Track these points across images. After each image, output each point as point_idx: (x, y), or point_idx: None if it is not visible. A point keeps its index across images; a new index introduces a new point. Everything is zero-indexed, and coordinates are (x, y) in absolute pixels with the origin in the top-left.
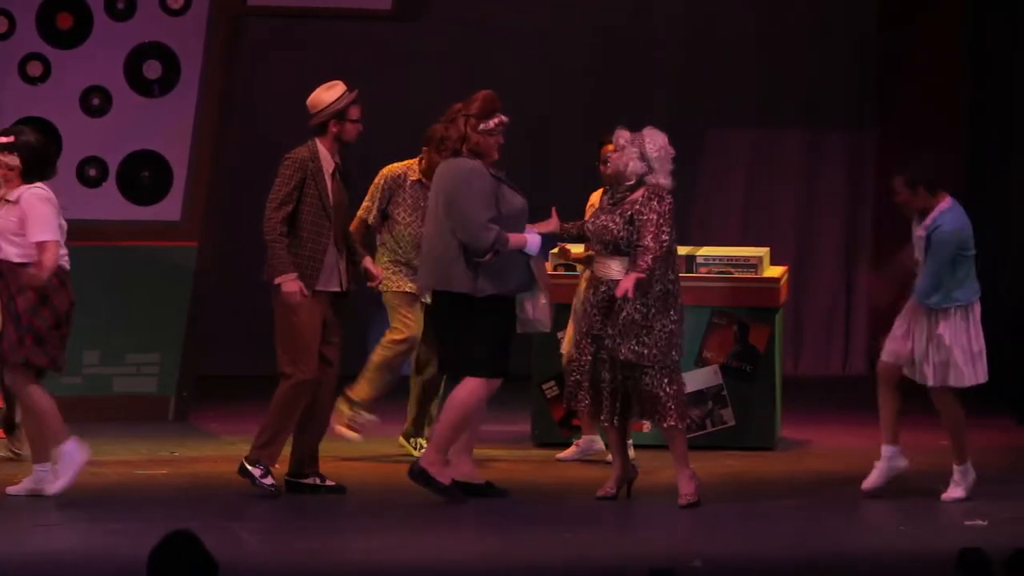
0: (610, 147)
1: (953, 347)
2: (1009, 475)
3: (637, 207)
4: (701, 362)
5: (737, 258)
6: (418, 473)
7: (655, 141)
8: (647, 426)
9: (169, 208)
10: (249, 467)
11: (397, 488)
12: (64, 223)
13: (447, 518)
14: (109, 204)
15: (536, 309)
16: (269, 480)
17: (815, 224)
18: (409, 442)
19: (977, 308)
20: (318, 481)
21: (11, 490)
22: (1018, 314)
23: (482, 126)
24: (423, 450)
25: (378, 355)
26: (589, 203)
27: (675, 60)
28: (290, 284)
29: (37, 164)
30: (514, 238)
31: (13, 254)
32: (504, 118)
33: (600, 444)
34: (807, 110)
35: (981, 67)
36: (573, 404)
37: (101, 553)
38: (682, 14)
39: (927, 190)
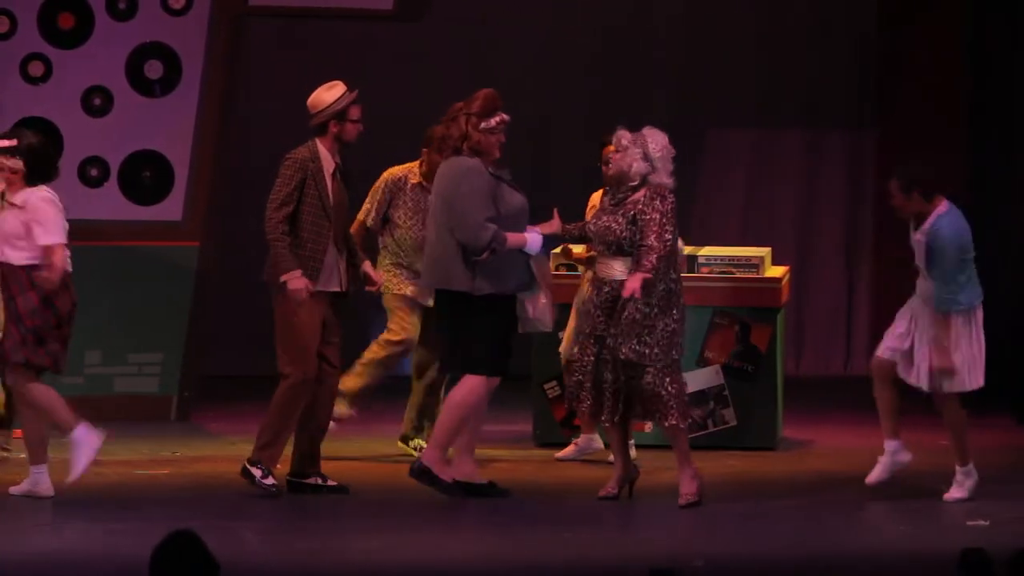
0: (610, 148)
1: (953, 352)
2: (1010, 475)
3: (640, 207)
4: (703, 362)
5: (739, 258)
6: (419, 471)
7: (657, 141)
8: (649, 426)
9: (170, 208)
10: (250, 468)
11: (397, 488)
12: (66, 224)
13: (448, 518)
14: (110, 204)
15: (536, 309)
16: (270, 480)
17: (816, 224)
18: (408, 444)
19: (979, 313)
20: (320, 481)
21: (13, 490)
22: (1018, 314)
23: (483, 124)
24: (423, 449)
25: (372, 352)
26: (590, 204)
27: (675, 60)
28: (296, 281)
29: (40, 167)
30: (513, 237)
31: (16, 258)
32: (505, 116)
33: (599, 443)
34: (807, 110)
35: (981, 67)
36: (575, 405)
37: (102, 553)
38: (682, 14)
39: (922, 194)
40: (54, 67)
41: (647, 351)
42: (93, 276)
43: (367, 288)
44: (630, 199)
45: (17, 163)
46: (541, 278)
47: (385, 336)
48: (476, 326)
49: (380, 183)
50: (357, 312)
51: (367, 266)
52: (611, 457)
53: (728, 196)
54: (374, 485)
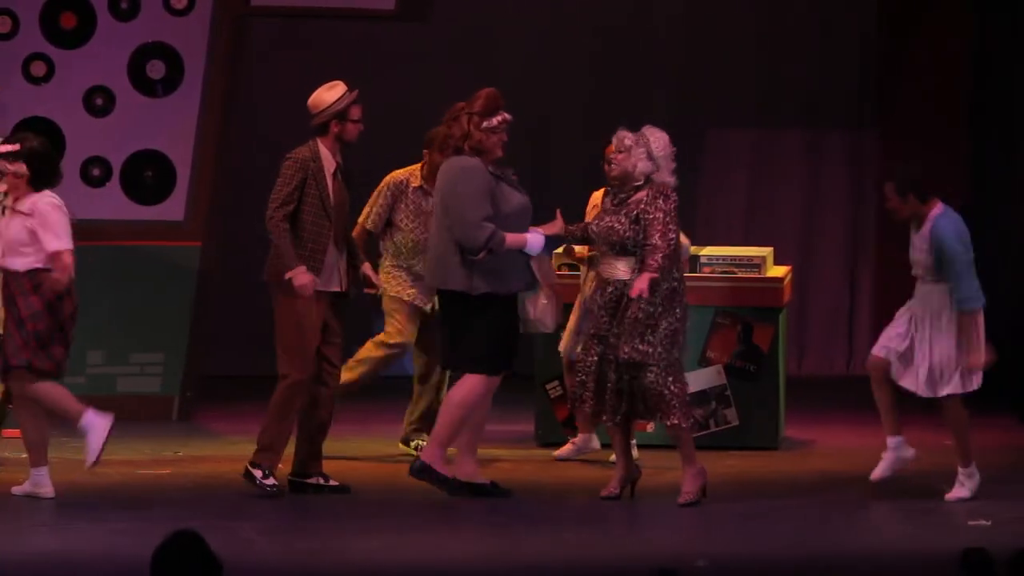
0: (611, 148)
1: (948, 352)
2: (1011, 475)
3: (643, 206)
4: (705, 362)
5: (740, 258)
6: (419, 469)
7: (659, 139)
8: (651, 426)
9: (172, 208)
10: (251, 470)
11: (398, 488)
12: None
13: (448, 518)
14: (112, 204)
15: (537, 309)
16: (270, 480)
17: (817, 224)
18: (409, 445)
19: (980, 316)
20: (322, 481)
21: (15, 490)
22: (1018, 314)
23: (485, 124)
24: (422, 447)
25: (365, 350)
26: (591, 203)
27: (675, 60)
28: (301, 277)
29: (44, 170)
30: (512, 238)
31: (20, 264)
32: (507, 115)
33: (597, 443)
34: (808, 110)
35: (981, 67)
36: (577, 405)
37: (104, 553)
38: (682, 14)
39: (917, 197)
40: (56, 67)
41: (650, 350)
42: (95, 276)
43: (366, 290)
44: (633, 199)
45: (21, 167)
46: (543, 279)
47: (381, 337)
48: (475, 325)
49: (382, 186)
50: (358, 313)
51: (367, 268)
52: (611, 457)
53: (729, 196)
54: (374, 485)
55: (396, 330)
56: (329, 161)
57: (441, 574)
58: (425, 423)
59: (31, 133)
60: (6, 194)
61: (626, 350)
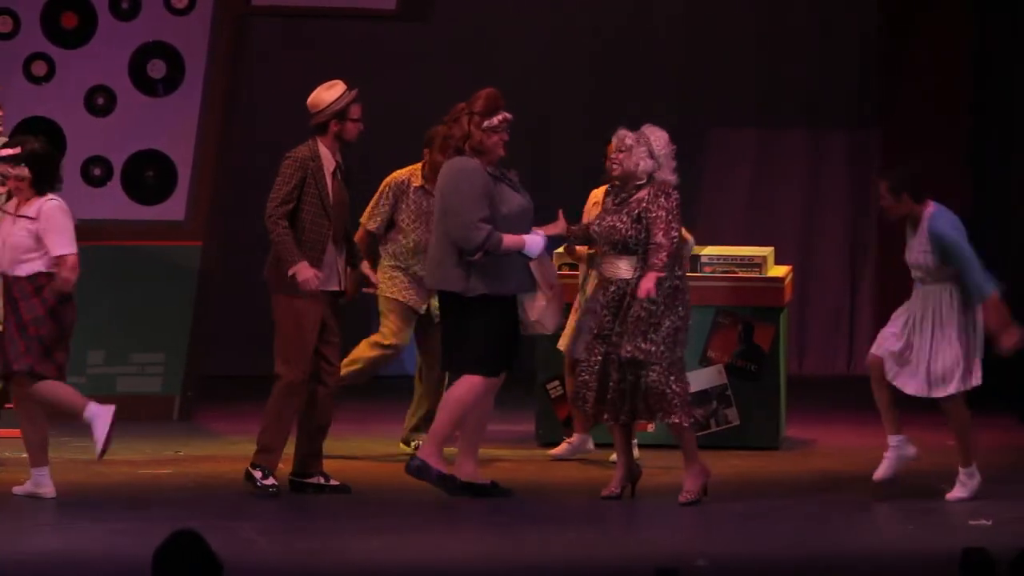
0: (612, 147)
1: (950, 352)
2: (1012, 475)
3: (644, 205)
4: (706, 362)
5: (741, 258)
6: (416, 468)
7: (659, 138)
8: (651, 426)
9: (173, 208)
10: (251, 471)
11: (398, 488)
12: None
13: (449, 518)
14: (113, 204)
15: (536, 311)
16: (270, 481)
17: (818, 224)
18: (410, 446)
19: (979, 314)
20: (322, 480)
21: (16, 490)
22: (1018, 314)
23: (486, 123)
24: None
25: (359, 350)
26: (592, 201)
27: (675, 60)
28: (304, 271)
29: (46, 172)
30: (510, 239)
31: (23, 270)
32: (508, 115)
33: (591, 444)
34: (808, 110)
35: (981, 67)
36: (580, 404)
37: (105, 553)
38: (682, 14)
39: (912, 196)
40: (57, 67)
41: (652, 348)
42: (95, 276)
43: (364, 289)
44: (634, 198)
45: (23, 171)
46: (542, 280)
47: (375, 338)
48: (473, 327)
49: (383, 187)
50: (357, 313)
51: (365, 267)
52: (612, 457)
53: (730, 196)
54: (374, 485)
55: (390, 331)
56: (329, 160)
57: (441, 574)
58: (426, 423)
59: (31, 136)
60: (8, 197)
61: (628, 348)
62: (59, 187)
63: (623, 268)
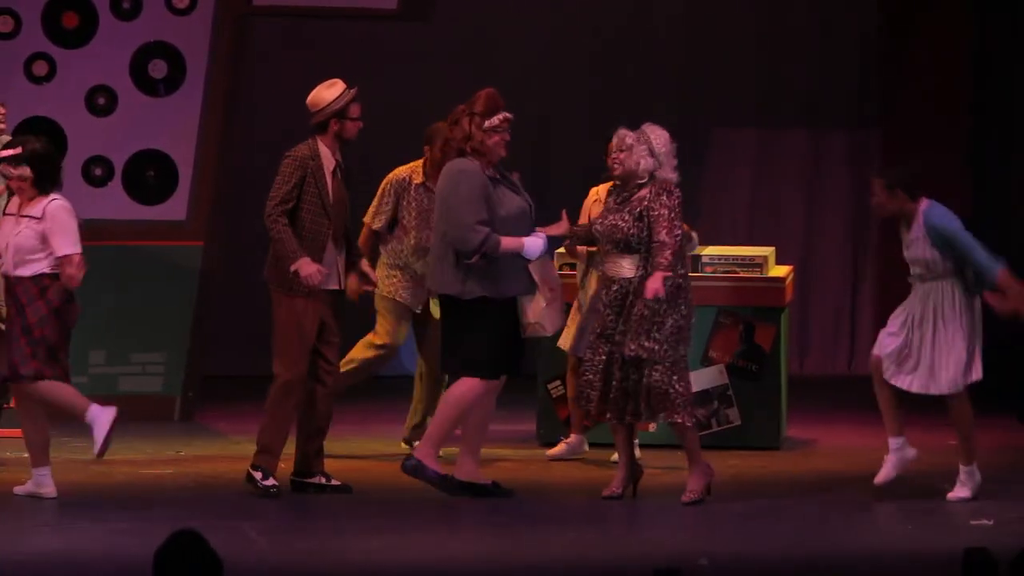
0: (611, 147)
1: (953, 347)
2: (1012, 475)
3: (646, 203)
4: (707, 361)
5: (742, 258)
6: (412, 467)
7: (659, 136)
8: (652, 426)
9: (174, 208)
10: (252, 472)
11: (398, 488)
12: None
13: (449, 518)
14: (114, 204)
15: (535, 313)
16: (270, 481)
17: (819, 224)
18: (411, 446)
19: (978, 303)
20: (323, 480)
21: (17, 490)
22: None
23: (486, 124)
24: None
25: (355, 352)
26: (593, 198)
27: (675, 60)
28: (307, 266)
29: (48, 171)
30: (508, 241)
31: (28, 271)
32: (508, 115)
33: (586, 446)
34: (809, 110)
35: (982, 67)
36: (584, 404)
37: (106, 553)
38: (682, 14)
39: (906, 193)
40: (58, 66)
41: (656, 347)
42: (96, 276)
43: (364, 287)
44: (636, 196)
45: (25, 170)
46: (542, 282)
47: (370, 338)
48: (471, 329)
49: (385, 184)
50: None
51: (364, 264)
52: (613, 457)
53: (731, 196)
54: (375, 485)
55: (385, 330)
56: (328, 159)
57: (442, 574)
58: (427, 423)
59: (32, 135)
60: (9, 195)
61: (632, 347)
62: (60, 184)
63: (626, 267)
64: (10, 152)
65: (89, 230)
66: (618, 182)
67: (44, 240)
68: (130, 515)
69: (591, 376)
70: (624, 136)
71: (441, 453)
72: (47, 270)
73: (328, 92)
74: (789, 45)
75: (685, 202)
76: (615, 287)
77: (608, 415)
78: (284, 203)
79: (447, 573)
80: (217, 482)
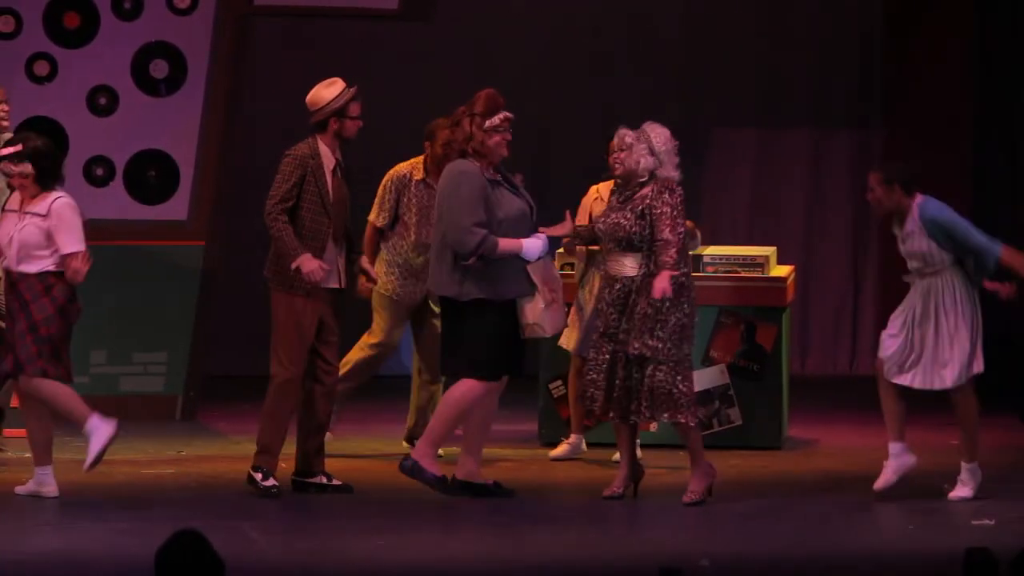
0: (612, 146)
1: (957, 339)
2: (1013, 474)
3: (648, 201)
4: (708, 361)
5: (744, 257)
6: (408, 468)
7: (659, 135)
8: (654, 426)
9: (176, 208)
10: (252, 473)
11: (398, 488)
12: None
13: (450, 518)
14: (116, 203)
15: (535, 314)
16: (270, 481)
17: (821, 224)
18: (413, 445)
19: (978, 296)
20: (325, 480)
21: (19, 489)
22: (1019, 314)
23: (487, 124)
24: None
25: (353, 353)
26: (594, 196)
27: (676, 60)
28: (308, 263)
29: (49, 167)
30: (506, 243)
31: (33, 267)
32: (509, 114)
33: (584, 446)
34: (811, 110)
35: (984, 67)
36: (588, 403)
37: (107, 552)
38: (682, 14)
39: (903, 189)
40: (59, 66)
41: (659, 345)
42: (98, 275)
43: (364, 284)
44: (638, 195)
45: (27, 167)
46: (542, 284)
47: (366, 338)
48: (468, 331)
49: (386, 181)
50: (357, 312)
51: (364, 262)
52: (615, 456)
53: (732, 196)
54: (375, 485)
55: (380, 328)
56: (328, 158)
57: (442, 574)
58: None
59: (32, 132)
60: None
61: (636, 345)
62: (62, 180)
63: (628, 265)
64: (11, 150)
65: (90, 230)
66: (619, 181)
67: (49, 237)
68: (131, 515)
69: (595, 375)
70: (624, 135)
71: (441, 453)
72: (52, 267)
73: (327, 91)
74: (790, 45)
75: (688, 201)
76: (618, 286)
77: (612, 414)
78: (284, 202)
79: (447, 573)
80: (218, 482)
